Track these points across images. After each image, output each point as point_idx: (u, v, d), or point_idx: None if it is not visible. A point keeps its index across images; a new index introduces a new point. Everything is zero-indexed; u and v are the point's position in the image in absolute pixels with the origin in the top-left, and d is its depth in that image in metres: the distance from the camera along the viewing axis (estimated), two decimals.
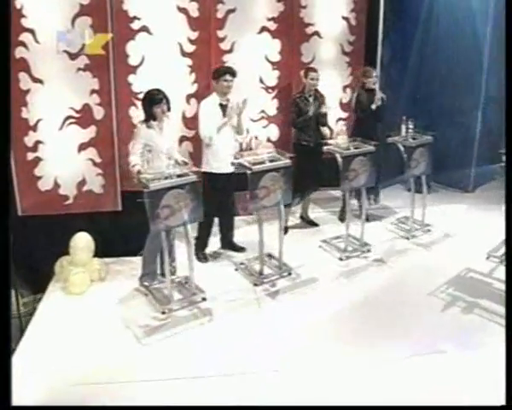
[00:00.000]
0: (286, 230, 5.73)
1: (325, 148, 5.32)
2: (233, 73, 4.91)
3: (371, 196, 6.35)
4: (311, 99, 5.61)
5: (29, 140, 4.83)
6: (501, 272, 4.90)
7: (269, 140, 5.98)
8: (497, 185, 7.22)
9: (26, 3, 4.53)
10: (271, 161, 4.80)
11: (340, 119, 6.37)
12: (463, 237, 5.74)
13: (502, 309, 4.31)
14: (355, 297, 4.65)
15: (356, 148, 5.26)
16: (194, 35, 5.23)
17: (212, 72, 5.05)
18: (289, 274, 5.01)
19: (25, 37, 4.60)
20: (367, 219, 5.87)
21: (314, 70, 5.64)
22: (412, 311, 4.44)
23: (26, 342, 4.08)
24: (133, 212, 4.63)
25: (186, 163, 4.51)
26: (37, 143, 4.86)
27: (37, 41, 4.63)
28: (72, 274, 4.71)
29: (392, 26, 6.32)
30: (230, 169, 4.92)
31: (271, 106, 5.92)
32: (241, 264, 5.16)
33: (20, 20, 4.55)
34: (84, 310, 4.52)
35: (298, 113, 5.59)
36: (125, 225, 5.17)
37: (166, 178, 4.24)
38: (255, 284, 4.85)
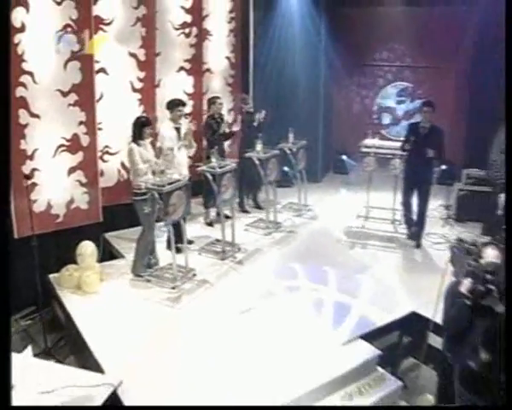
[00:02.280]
0: (211, 224, 7.64)
1: (246, 155, 7.41)
2: (184, 104, 6.64)
3: (251, 192, 8.63)
4: (219, 120, 7.59)
5: (26, 168, 5.76)
6: (369, 224, 7.74)
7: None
8: (333, 175, 10.38)
9: (27, 50, 5.54)
10: (221, 167, 6.68)
11: None
12: (332, 210, 8.50)
13: (385, 243, 7.10)
14: (291, 252, 6.99)
15: (265, 153, 7.48)
16: (141, 75, 6.79)
17: (166, 103, 6.61)
18: (239, 249, 6.94)
19: (24, 78, 5.61)
20: (260, 208, 8.18)
21: (218, 98, 7.68)
22: (331, 253, 6.90)
23: (90, 331, 5.12)
24: None
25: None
26: (34, 170, 5.81)
27: (35, 82, 5.67)
28: (85, 277, 5.81)
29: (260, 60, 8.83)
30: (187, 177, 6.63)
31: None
32: (202, 248, 6.89)
33: (20, 64, 5.54)
34: (110, 303, 5.70)
35: (212, 132, 7.50)
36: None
37: (171, 183, 5.82)
38: (222, 259, 6.66)
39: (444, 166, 9.68)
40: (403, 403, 4.81)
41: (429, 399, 4.66)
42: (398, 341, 5.50)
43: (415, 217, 7.27)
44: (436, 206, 8.55)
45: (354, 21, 9.95)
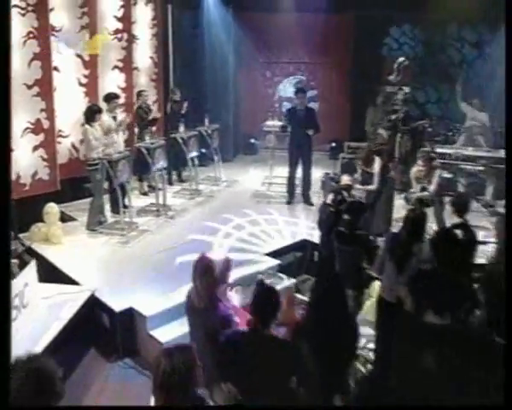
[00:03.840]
0: (146, 193, 9.65)
1: (172, 135, 9.47)
2: (118, 97, 8.61)
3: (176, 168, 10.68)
4: (146, 110, 9.60)
5: None
6: (274, 188, 10.04)
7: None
8: (243, 156, 12.67)
9: None
10: (152, 143, 8.71)
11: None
12: (242, 181, 10.77)
13: (284, 200, 9.43)
14: (211, 209, 9.19)
15: (186, 134, 9.58)
16: (86, 72, 8.68)
17: (103, 97, 8.58)
18: (170, 209, 8.98)
19: None
20: (183, 182, 10.30)
21: (145, 91, 9.74)
22: (243, 208, 9.08)
23: (64, 265, 6.95)
24: None
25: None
26: None
27: None
28: (52, 230, 7.59)
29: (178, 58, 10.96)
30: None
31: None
32: (140, 210, 8.87)
33: None
34: (75, 248, 7.52)
35: (141, 119, 9.48)
36: None
37: (119, 153, 7.79)
38: (157, 216, 8.69)
39: (333, 144, 12.30)
40: (298, 295, 7.06)
41: None
42: (294, 260, 7.79)
43: (300, 186, 9.54)
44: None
45: (258, 24, 12.36)
